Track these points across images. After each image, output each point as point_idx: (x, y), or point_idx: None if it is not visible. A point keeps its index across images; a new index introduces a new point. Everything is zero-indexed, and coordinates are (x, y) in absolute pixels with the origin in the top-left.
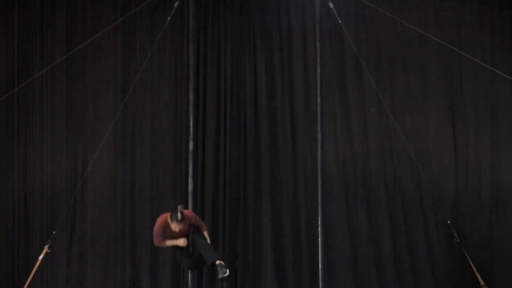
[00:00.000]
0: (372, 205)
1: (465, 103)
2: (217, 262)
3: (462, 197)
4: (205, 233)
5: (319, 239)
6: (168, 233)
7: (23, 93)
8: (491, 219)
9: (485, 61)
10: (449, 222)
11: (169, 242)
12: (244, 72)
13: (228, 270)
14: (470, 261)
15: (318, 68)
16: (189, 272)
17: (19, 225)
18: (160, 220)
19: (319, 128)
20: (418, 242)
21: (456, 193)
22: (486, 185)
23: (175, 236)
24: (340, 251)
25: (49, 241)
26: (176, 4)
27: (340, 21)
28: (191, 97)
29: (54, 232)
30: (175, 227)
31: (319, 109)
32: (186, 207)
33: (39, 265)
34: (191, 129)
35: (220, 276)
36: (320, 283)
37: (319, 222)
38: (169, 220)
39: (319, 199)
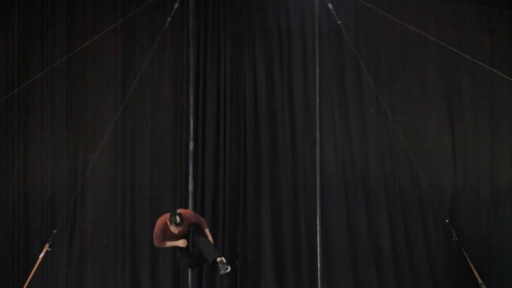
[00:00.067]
0: (371, 205)
1: (464, 103)
2: (218, 259)
3: (460, 197)
4: (206, 230)
5: (318, 239)
6: (168, 234)
7: (23, 93)
8: (490, 219)
9: (484, 61)
10: (447, 221)
11: (169, 243)
12: (244, 72)
13: (229, 267)
14: (469, 260)
15: (317, 69)
16: (189, 271)
17: (19, 225)
18: (160, 221)
19: (318, 128)
20: (417, 242)
21: (454, 193)
22: (485, 185)
23: (175, 236)
24: (340, 251)
25: (50, 239)
26: (176, 5)
27: (339, 22)
28: (191, 97)
29: (54, 231)
30: (174, 229)
31: (318, 110)
32: (186, 207)
33: (39, 265)
34: (191, 129)
35: (221, 272)
36: (320, 283)
37: (318, 222)
38: (168, 223)
39: (318, 199)
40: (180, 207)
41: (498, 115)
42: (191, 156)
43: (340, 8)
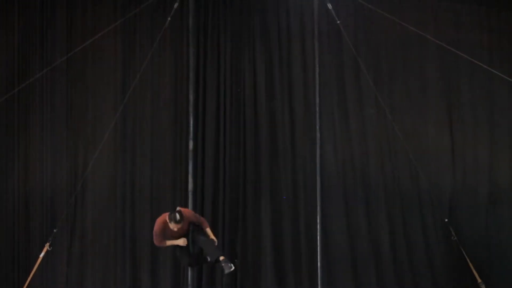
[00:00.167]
0: (371, 205)
1: (463, 103)
2: (221, 258)
3: (460, 197)
4: (208, 230)
5: (318, 239)
6: (168, 233)
7: (23, 93)
8: (489, 219)
9: (483, 61)
10: (446, 220)
11: (169, 242)
12: (243, 72)
13: (233, 265)
14: (468, 259)
15: (317, 69)
16: (189, 271)
17: (19, 225)
18: (159, 220)
19: (318, 128)
20: (417, 242)
21: (454, 192)
22: (484, 185)
23: (175, 235)
24: (339, 250)
25: (50, 239)
26: (176, 5)
27: (338, 22)
28: (191, 97)
29: (55, 230)
30: (173, 227)
31: (317, 109)
32: (186, 207)
33: (39, 265)
34: (191, 128)
35: (226, 271)
36: (319, 283)
37: (318, 222)
38: (167, 221)
39: (318, 199)
40: (180, 206)
41: (497, 115)
42: (191, 155)
43: (339, 8)
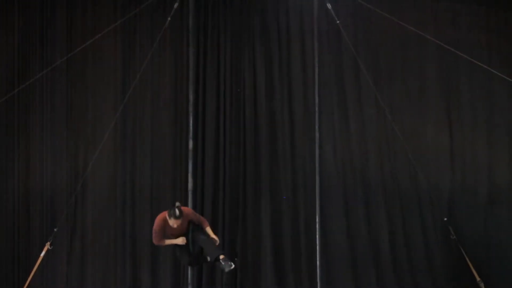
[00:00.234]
0: (371, 205)
1: (463, 104)
2: (221, 257)
3: (459, 197)
4: (208, 229)
5: (317, 239)
6: (167, 231)
7: (23, 93)
8: (488, 219)
9: (482, 61)
10: (445, 219)
11: (168, 241)
12: (243, 72)
13: (233, 264)
14: (467, 258)
15: (317, 69)
16: (189, 271)
17: (19, 225)
18: (159, 218)
19: (317, 128)
20: (416, 242)
21: (453, 192)
22: (483, 185)
23: (174, 233)
24: (339, 250)
25: (51, 238)
26: (176, 5)
27: (338, 22)
28: (191, 97)
29: (55, 229)
30: (173, 223)
31: (317, 109)
32: (185, 205)
33: (39, 265)
34: (191, 128)
35: (227, 270)
36: (319, 283)
37: (317, 222)
38: (167, 217)
39: (318, 199)
40: (180, 200)
41: (496, 115)
42: (191, 155)
43: (339, 8)
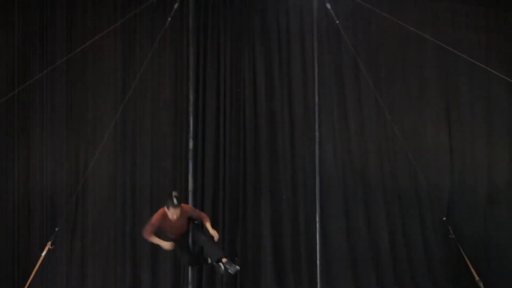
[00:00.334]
0: (370, 205)
1: (462, 103)
2: (224, 260)
3: (458, 196)
4: (208, 224)
5: (317, 239)
6: (167, 228)
7: (23, 93)
8: (487, 218)
9: (481, 61)
10: (444, 218)
11: (156, 240)
12: (243, 72)
13: (237, 266)
14: (466, 258)
15: (316, 68)
16: (189, 271)
17: (20, 225)
18: (158, 213)
19: (317, 127)
20: (416, 241)
21: (452, 192)
22: (482, 185)
23: (174, 231)
24: (339, 250)
25: (52, 237)
26: (176, 5)
27: (337, 22)
28: (191, 97)
29: (56, 229)
30: (172, 213)
31: (317, 109)
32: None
33: (39, 265)
34: (191, 128)
35: (232, 272)
36: (319, 282)
37: (317, 222)
38: (166, 210)
39: (317, 199)
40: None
41: (496, 115)
42: (191, 154)
43: (338, 8)
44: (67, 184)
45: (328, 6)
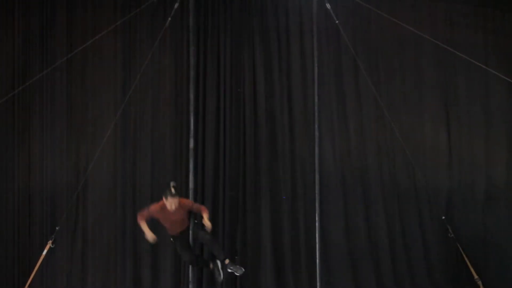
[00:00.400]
0: (369, 204)
1: (460, 103)
2: (227, 261)
3: (456, 195)
4: (205, 217)
5: (317, 238)
6: (166, 216)
7: (23, 93)
8: (485, 216)
9: (479, 60)
10: (443, 217)
11: (144, 227)
12: (243, 71)
13: (242, 267)
14: (464, 256)
15: (316, 68)
16: (190, 271)
17: (20, 224)
18: (157, 203)
19: (316, 127)
20: (415, 240)
21: (450, 190)
22: (480, 183)
23: (174, 219)
24: (338, 249)
25: (53, 236)
26: (176, 5)
27: (337, 22)
28: (191, 96)
29: (57, 228)
30: (170, 203)
31: (316, 108)
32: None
33: (40, 264)
34: (191, 127)
35: (238, 273)
36: (318, 282)
37: (317, 221)
38: (164, 201)
39: (317, 198)
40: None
41: (493, 114)
42: (191, 153)
43: (338, 8)
44: (67, 184)
45: (328, 6)
